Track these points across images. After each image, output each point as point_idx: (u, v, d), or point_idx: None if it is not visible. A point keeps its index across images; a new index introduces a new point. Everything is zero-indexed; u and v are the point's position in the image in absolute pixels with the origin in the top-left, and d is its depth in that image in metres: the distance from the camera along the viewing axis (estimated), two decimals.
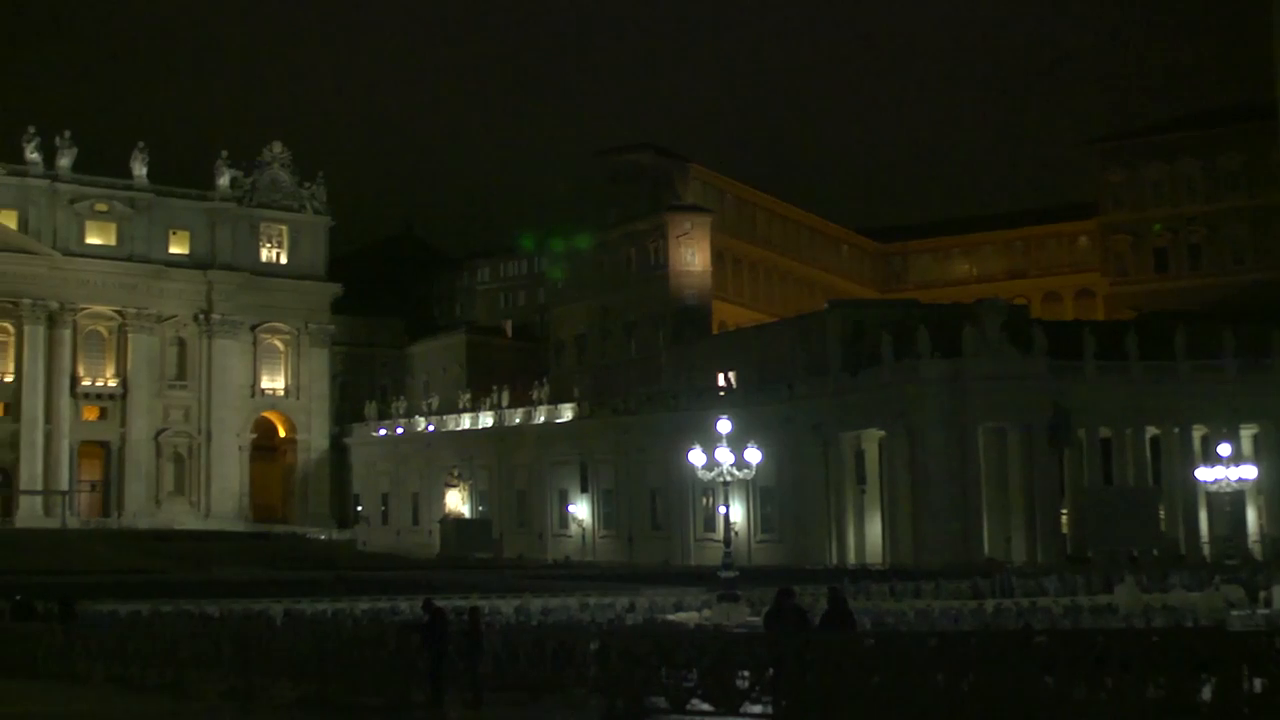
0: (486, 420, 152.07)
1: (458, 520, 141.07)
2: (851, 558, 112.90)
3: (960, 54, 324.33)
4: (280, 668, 39.11)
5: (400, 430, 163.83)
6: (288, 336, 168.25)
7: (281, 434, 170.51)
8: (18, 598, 58.31)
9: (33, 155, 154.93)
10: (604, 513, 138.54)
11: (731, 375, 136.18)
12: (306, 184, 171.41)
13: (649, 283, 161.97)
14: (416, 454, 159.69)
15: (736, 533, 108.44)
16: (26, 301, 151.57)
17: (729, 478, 66.12)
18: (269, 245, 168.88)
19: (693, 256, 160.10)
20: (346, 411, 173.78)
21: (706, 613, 63.60)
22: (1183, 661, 24.53)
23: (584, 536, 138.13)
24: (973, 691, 26.33)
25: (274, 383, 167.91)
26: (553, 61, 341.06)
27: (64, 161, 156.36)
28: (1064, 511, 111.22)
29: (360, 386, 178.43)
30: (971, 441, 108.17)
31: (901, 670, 27.64)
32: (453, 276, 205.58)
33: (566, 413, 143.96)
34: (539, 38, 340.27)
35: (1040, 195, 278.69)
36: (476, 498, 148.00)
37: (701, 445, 68.12)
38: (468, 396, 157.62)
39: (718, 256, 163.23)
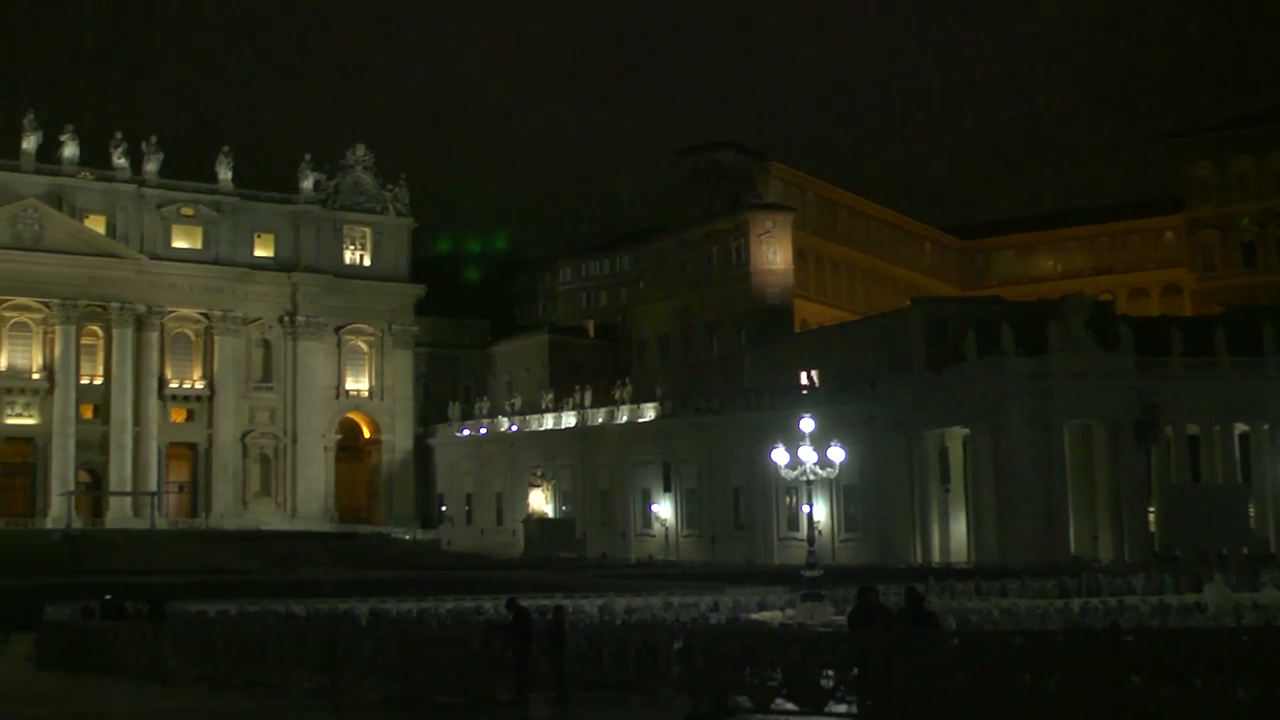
0: (569, 420, 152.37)
1: (541, 520, 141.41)
2: (936, 556, 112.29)
3: (1042, 49, 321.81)
4: (366, 667, 39.32)
5: (484, 430, 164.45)
6: (372, 338, 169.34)
7: (366, 435, 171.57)
8: (108, 597, 58.96)
9: (120, 161, 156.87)
10: (687, 512, 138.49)
11: (814, 374, 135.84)
12: (389, 186, 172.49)
13: (731, 282, 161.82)
14: (500, 454, 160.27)
15: (820, 531, 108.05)
16: (115, 305, 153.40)
17: (812, 476, 65.88)
18: (352, 247, 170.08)
19: (774, 255, 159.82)
20: (430, 412, 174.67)
21: (790, 612, 63.38)
22: (1274, 662, 24.20)
23: (667, 536, 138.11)
24: (1059, 692, 26.10)
25: (358, 384, 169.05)
26: (634, 61, 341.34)
27: (150, 167, 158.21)
28: (1151, 509, 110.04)
29: (444, 387, 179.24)
30: (1057, 439, 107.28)
31: (987, 670, 27.42)
32: (535, 277, 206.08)
33: (649, 412, 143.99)
34: (620, 37, 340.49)
35: (1125, 190, 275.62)
36: (560, 497, 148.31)
37: (784, 444, 67.92)
38: (550, 396, 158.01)
39: (799, 255, 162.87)
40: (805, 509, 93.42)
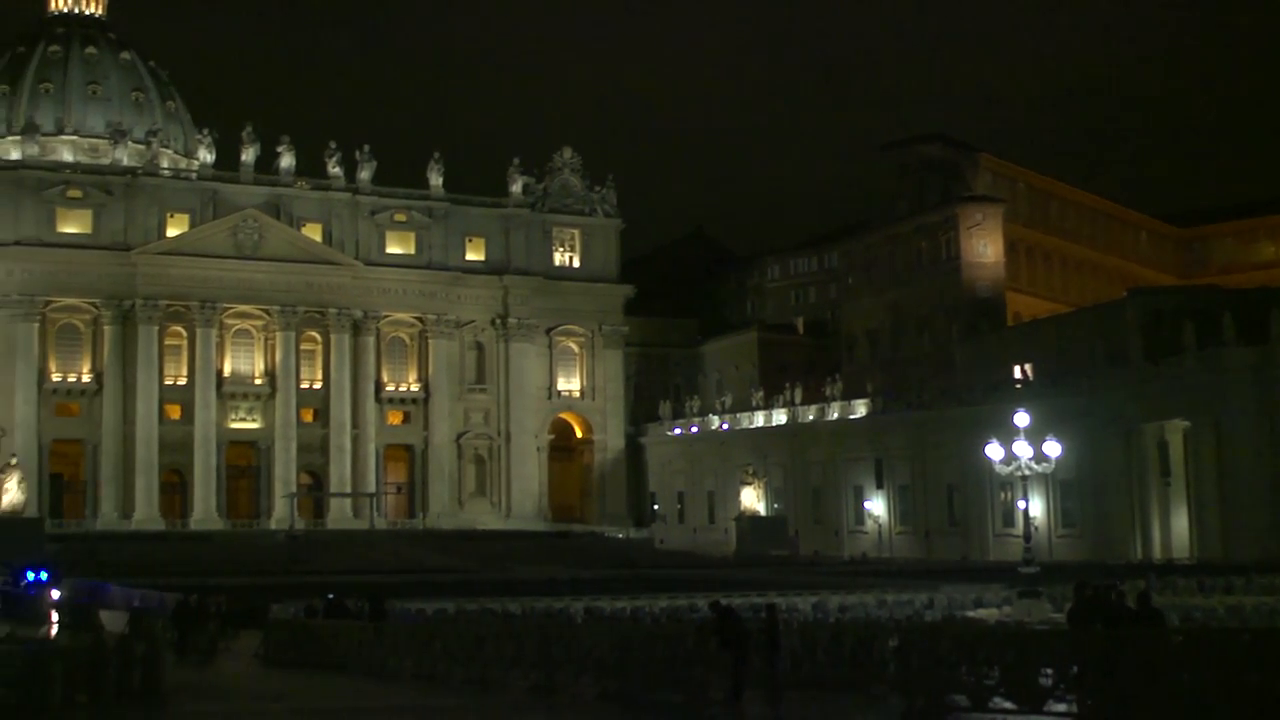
0: (780, 418, 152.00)
1: (753, 518, 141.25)
2: (1157, 552, 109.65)
3: (1260, 29, 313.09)
4: (582, 664, 39.59)
5: (695, 429, 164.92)
6: (582, 339, 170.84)
7: (578, 435, 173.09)
8: (330, 596, 60.19)
9: (334, 170, 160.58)
10: (900, 509, 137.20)
11: (1028, 367, 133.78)
12: (597, 188, 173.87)
13: (941, 276, 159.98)
14: (711, 452, 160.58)
15: (1036, 527, 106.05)
16: (332, 311, 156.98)
17: (1027, 472, 64.90)
18: (562, 249, 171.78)
19: (985, 248, 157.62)
20: (641, 411, 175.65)
21: (1007, 609, 62.62)
22: None
23: (880, 533, 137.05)
24: None
25: (569, 384, 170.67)
26: (839, 55, 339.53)
27: (364, 174, 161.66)
28: None
29: (654, 386, 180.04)
30: None
31: (1212, 668, 26.75)
32: (743, 274, 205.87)
33: (860, 409, 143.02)
34: (824, 33, 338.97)
35: None
36: (771, 495, 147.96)
37: (999, 439, 67.02)
38: (760, 394, 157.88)
39: (1011, 247, 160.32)
40: (1021, 505, 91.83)
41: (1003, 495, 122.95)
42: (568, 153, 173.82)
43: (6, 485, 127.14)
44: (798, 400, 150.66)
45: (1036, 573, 64.75)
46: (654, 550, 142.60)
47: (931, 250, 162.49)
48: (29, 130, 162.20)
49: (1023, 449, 64.39)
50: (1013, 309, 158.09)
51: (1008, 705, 30.28)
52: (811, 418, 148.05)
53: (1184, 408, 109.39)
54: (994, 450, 66.39)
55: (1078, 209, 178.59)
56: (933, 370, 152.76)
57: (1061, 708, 29.31)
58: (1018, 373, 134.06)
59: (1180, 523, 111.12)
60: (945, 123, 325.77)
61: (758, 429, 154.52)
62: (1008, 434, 66.87)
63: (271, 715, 38.45)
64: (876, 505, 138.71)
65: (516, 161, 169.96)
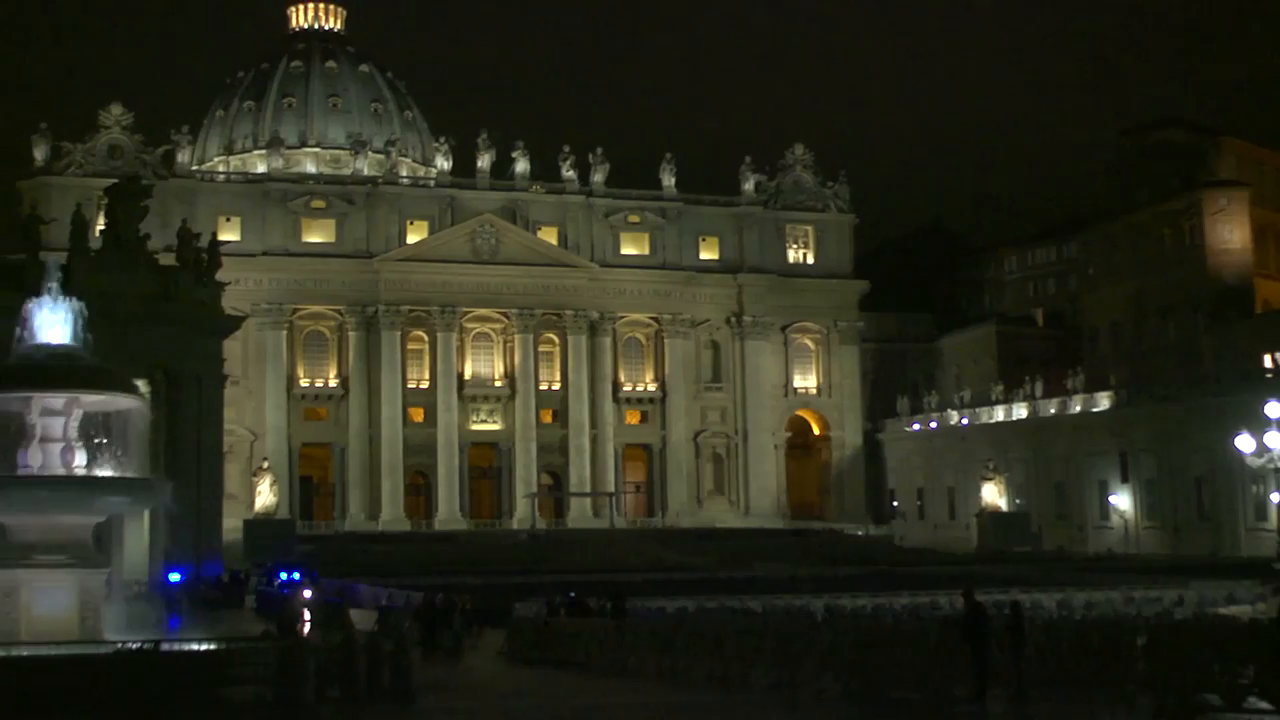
0: (1020, 412, 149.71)
1: (995, 514, 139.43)
2: None
3: None
4: (823, 662, 39.47)
5: (933, 424, 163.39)
6: (817, 335, 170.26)
7: (815, 432, 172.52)
8: (572, 594, 60.90)
9: (568, 173, 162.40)
10: (1146, 503, 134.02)
11: (1279, 356, 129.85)
12: (829, 184, 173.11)
13: (1184, 264, 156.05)
14: (950, 448, 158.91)
15: None
16: (569, 313, 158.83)
17: None
18: (795, 246, 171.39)
19: (1230, 234, 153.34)
20: (878, 407, 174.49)
21: (1261, 606, 60.77)
22: None
23: (1126, 528, 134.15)
24: None
25: (805, 381, 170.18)
26: (1071, 42, 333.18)
27: (598, 177, 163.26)
28: None
29: (891, 382, 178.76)
30: None
31: None
32: (980, 267, 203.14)
33: (1103, 401, 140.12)
34: (1055, 17, 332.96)
35: None
36: (1013, 490, 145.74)
37: (1249, 431, 65.06)
38: (1000, 388, 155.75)
39: (1258, 232, 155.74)
40: (1274, 498, 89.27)
41: (1254, 488, 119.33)
42: (799, 149, 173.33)
43: (259, 488, 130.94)
44: (1038, 393, 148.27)
45: None
46: (894, 547, 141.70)
47: (1174, 238, 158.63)
48: (273, 144, 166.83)
49: (1275, 440, 62.46)
50: (1261, 296, 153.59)
51: (1263, 705, 29.47)
52: (1053, 411, 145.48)
53: None
54: (1244, 442, 64.48)
55: None
56: (1178, 360, 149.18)
57: None
58: (1268, 362, 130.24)
59: None
60: (1186, 106, 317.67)
61: (998, 423, 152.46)
62: (1259, 425, 64.87)
63: (517, 713, 39.00)
64: (1122, 500, 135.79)
65: (748, 160, 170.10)
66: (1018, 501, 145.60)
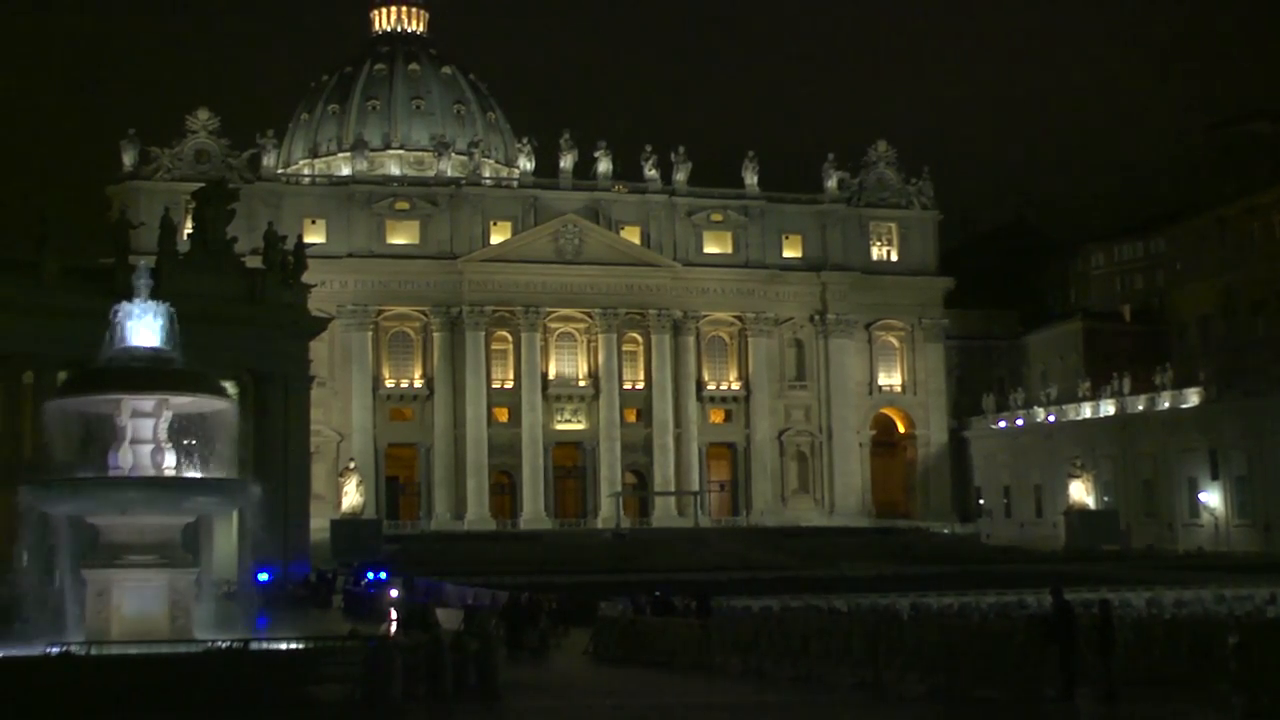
0: (1107, 409, 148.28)
1: (1082, 511, 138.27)
2: None
3: None
4: (909, 661, 39.32)
5: (1020, 422, 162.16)
6: (901, 333, 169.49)
7: (900, 430, 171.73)
8: (657, 593, 60.95)
9: (651, 173, 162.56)
10: (1237, 500, 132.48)
11: None
12: (913, 180, 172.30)
13: (1275, 258, 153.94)
14: (1037, 445, 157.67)
15: None
16: (652, 312, 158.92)
17: None
18: (878, 243, 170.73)
19: None
20: (963, 405, 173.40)
21: None
22: None
23: (1216, 526, 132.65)
24: None
25: (890, 379, 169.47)
26: (1155, 35, 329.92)
27: (680, 176, 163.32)
28: None
29: (976, 379, 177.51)
30: None
31: None
32: (1066, 262, 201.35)
33: (1192, 398, 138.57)
34: (1141, 13, 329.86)
35: None
36: (1101, 488, 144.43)
37: None
38: (1087, 385, 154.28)
39: None
40: None
41: None
42: (882, 146, 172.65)
43: (346, 488, 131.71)
44: (1126, 390, 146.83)
45: None
46: (980, 545, 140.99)
47: (1264, 231, 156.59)
48: (358, 146, 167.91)
49: None
50: None
51: None
52: (1141, 408, 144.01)
53: None
54: None
55: None
56: (1270, 356, 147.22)
57: None
58: None
59: None
60: (1273, 99, 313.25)
61: (1085, 420, 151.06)
62: None
63: (604, 712, 39.08)
64: (1212, 497, 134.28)
65: (831, 157, 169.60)
66: (1105, 499, 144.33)
